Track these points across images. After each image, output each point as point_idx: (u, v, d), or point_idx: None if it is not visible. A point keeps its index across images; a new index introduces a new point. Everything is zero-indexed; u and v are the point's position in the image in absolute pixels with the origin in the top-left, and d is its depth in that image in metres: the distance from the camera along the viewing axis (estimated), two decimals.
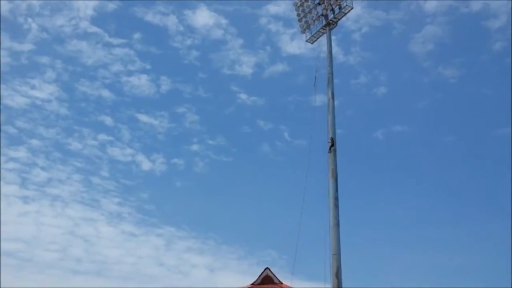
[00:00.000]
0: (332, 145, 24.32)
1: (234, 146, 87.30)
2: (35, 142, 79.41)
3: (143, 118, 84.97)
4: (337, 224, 22.66)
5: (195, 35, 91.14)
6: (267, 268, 34.49)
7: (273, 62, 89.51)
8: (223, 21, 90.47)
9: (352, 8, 27.48)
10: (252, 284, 33.85)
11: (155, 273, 71.29)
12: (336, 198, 23.20)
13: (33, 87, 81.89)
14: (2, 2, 77.65)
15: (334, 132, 24.79)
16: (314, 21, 29.01)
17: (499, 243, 65.47)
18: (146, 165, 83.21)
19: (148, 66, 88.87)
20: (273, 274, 34.35)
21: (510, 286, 47.68)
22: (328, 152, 24.39)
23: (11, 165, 75.15)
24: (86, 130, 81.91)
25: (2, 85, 75.57)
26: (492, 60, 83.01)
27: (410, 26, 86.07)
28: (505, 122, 75.17)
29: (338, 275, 21.79)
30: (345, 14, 27.77)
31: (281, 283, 33.65)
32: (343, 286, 21.73)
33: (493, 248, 69.06)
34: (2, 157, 72.19)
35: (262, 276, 34.34)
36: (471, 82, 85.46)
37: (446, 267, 67.59)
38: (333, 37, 28.04)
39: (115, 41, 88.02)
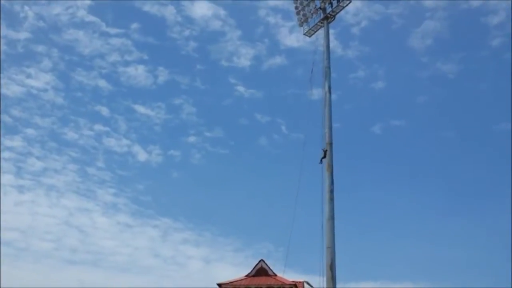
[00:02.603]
0: (324, 156, 23.99)
1: (231, 139, 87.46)
2: (30, 131, 79.35)
3: (140, 109, 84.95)
4: (332, 217, 22.78)
5: (193, 26, 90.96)
6: (261, 260, 34.63)
7: (271, 54, 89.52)
8: (222, 12, 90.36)
9: (350, 2, 27.30)
10: (247, 275, 34.03)
11: (150, 264, 71.58)
12: (331, 192, 23.29)
13: (29, 76, 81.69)
14: None
15: (330, 125, 24.72)
16: (312, 14, 28.84)
17: (498, 237, 65.96)
18: (142, 156, 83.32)
19: (145, 57, 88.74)
20: (268, 266, 34.50)
21: (510, 279, 48.12)
22: (319, 163, 24.16)
23: (6, 154, 75.20)
24: (82, 120, 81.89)
25: None
26: (490, 56, 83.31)
27: (410, 21, 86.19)
28: (503, 117, 75.58)
29: (332, 267, 21.96)
30: (343, 7, 27.64)
31: (275, 275, 33.83)
32: (337, 279, 21.93)
33: (492, 241, 69.60)
34: None
35: (256, 268, 34.50)
36: (470, 78, 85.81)
37: (442, 260, 68.14)
38: (331, 31, 27.91)
39: (112, 30, 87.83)
